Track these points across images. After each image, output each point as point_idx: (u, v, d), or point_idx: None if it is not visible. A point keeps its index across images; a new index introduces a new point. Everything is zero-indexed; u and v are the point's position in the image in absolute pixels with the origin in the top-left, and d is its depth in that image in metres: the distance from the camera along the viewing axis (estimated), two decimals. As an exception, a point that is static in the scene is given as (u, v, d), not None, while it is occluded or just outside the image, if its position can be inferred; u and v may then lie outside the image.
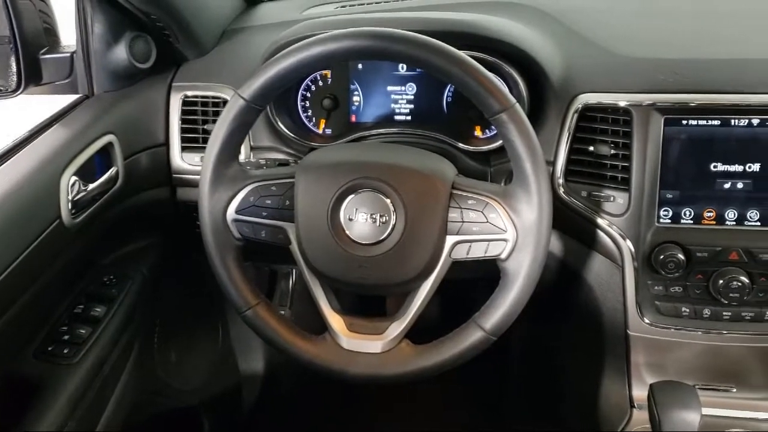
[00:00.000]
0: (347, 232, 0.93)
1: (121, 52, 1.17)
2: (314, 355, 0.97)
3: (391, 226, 0.92)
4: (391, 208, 0.92)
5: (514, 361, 1.69)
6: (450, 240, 0.92)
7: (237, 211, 0.96)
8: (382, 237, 0.92)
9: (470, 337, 0.92)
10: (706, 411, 1.06)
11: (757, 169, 1.01)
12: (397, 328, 0.95)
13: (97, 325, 1.14)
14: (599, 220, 1.06)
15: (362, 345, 0.96)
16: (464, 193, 0.92)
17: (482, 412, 1.65)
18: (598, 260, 1.11)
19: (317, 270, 0.96)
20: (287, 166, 1.07)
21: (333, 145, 1.18)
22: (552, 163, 1.08)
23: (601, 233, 1.07)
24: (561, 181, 1.07)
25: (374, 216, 0.92)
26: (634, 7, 1.28)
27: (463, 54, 0.88)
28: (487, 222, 0.91)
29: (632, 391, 1.16)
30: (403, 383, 0.95)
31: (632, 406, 1.15)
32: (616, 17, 1.23)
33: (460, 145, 1.16)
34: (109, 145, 1.11)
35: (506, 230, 0.90)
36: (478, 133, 1.19)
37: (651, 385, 0.98)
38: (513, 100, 0.87)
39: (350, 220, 0.92)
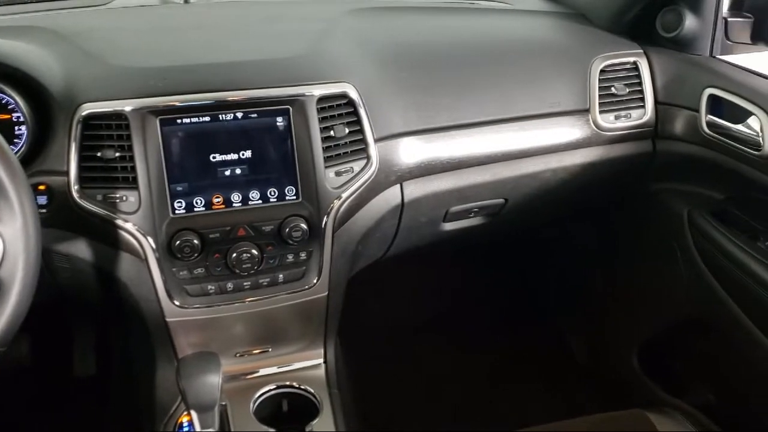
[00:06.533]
0: None
1: None
2: None
3: None
4: None
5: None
6: None
7: None
8: None
9: None
10: (249, 376, 1.20)
11: (250, 156, 1.17)
12: None
13: None
14: (117, 221, 1.11)
15: None
16: None
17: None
18: (126, 258, 1.16)
19: None
20: None
21: None
22: (66, 173, 1.10)
23: (122, 232, 1.13)
24: (76, 188, 1.10)
25: None
26: (140, 25, 1.38)
27: None
28: None
29: None
30: None
31: None
32: (124, 35, 1.31)
33: None
34: None
35: None
36: None
37: (178, 361, 1.07)
38: None
39: None
